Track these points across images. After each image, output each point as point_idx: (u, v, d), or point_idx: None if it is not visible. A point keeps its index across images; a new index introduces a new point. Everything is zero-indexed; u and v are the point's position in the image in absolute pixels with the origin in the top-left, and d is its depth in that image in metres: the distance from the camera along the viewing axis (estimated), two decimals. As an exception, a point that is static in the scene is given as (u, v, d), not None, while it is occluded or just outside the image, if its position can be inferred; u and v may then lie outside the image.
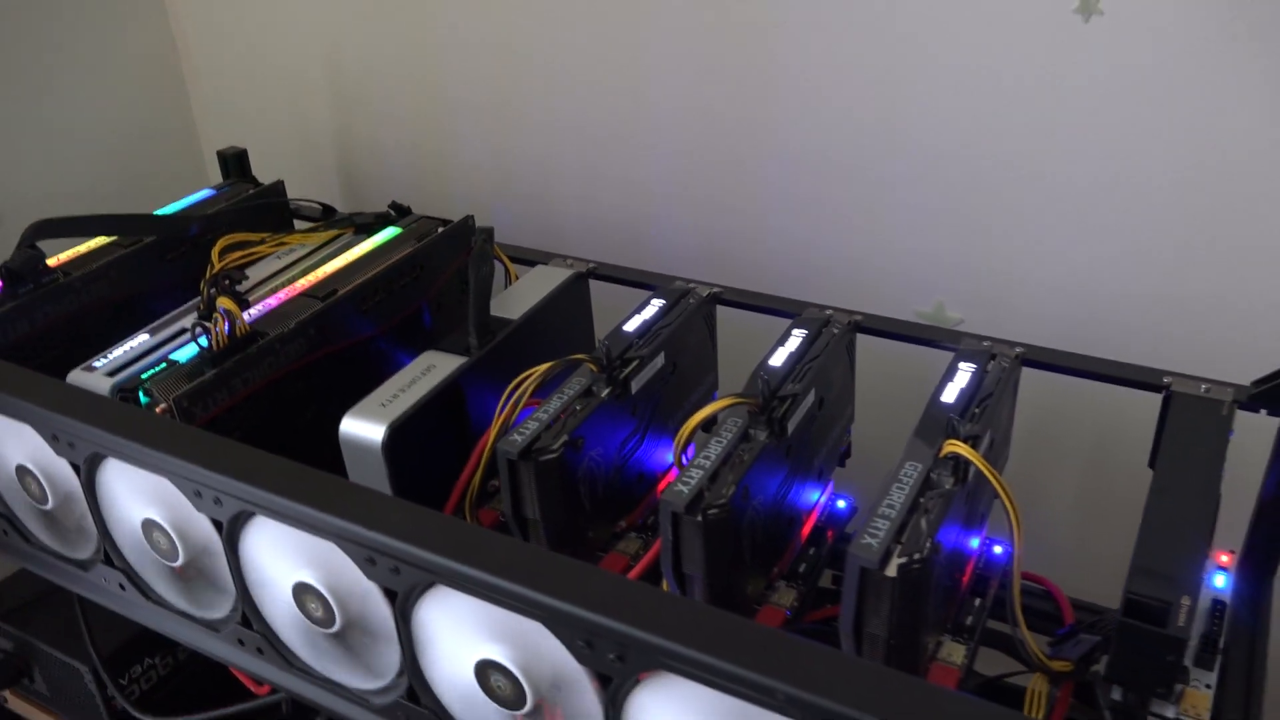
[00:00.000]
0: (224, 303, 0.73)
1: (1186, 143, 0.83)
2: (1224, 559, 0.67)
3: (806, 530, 0.74)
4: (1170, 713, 0.59)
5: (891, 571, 0.54)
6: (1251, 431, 0.68)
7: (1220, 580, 0.66)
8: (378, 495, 0.56)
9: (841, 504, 0.78)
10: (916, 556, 0.54)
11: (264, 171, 1.07)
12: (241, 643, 0.67)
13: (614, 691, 0.50)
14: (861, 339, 0.79)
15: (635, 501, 0.75)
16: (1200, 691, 0.60)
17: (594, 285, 0.89)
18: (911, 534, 0.56)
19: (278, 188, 1.01)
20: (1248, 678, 0.63)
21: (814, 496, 0.75)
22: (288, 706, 0.82)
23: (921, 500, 0.58)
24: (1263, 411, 0.67)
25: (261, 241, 0.89)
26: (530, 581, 0.48)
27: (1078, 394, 0.81)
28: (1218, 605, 0.64)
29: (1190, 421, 0.66)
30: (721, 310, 0.83)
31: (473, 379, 0.75)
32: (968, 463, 0.60)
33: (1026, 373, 0.74)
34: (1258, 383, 0.66)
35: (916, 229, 0.96)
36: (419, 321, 0.89)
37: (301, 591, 0.60)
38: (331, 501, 0.54)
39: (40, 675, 0.93)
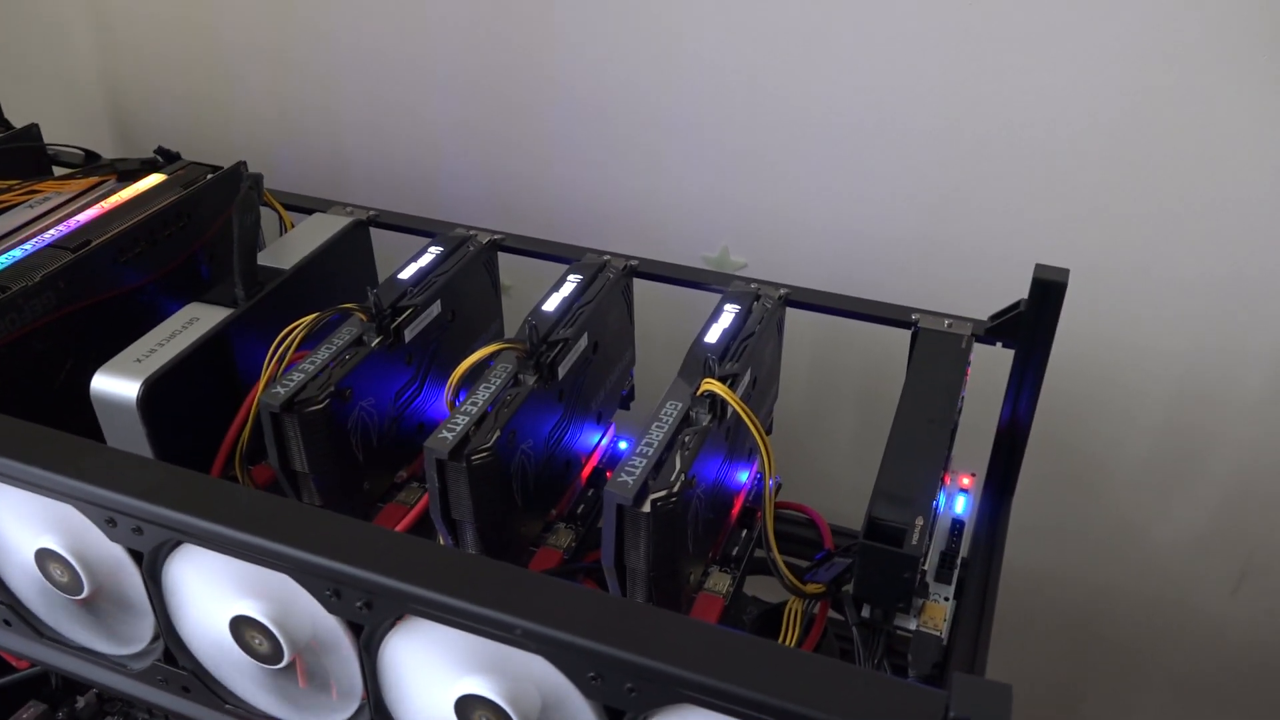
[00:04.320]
0: (-44, 256, 0.68)
1: (943, 93, 0.88)
2: (966, 481, 0.73)
3: (587, 472, 0.76)
4: (911, 625, 0.63)
5: (646, 507, 0.56)
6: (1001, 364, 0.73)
7: (961, 502, 0.71)
8: (114, 452, 0.54)
9: (624, 445, 0.80)
10: (669, 493, 0.56)
11: (22, 119, 0.99)
12: (-14, 616, 0.63)
13: (366, 639, 0.50)
14: (649, 286, 0.80)
15: (416, 451, 0.75)
16: (939, 604, 0.65)
17: (385, 235, 0.87)
18: (666, 470, 0.58)
19: (32, 131, 0.94)
20: (983, 590, 0.68)
21: (594, 439, 0.77)
22: (56, 678, 0.78)
23: (679, 437, 0.60)
24: (999, 344, 0.72)
25: (9, 189, 0.83)
26: (272, 532, 0.48)
27: (853, 334, 0.85)
28: (957, 524, 0.70)
29: (932, 354, 0.70)
30: (516, 259, 0.82)
31: (240, 331, 0.72)
32: (724, 400, 0.62)
33: (810, 317, 0.77)
34: (994, 317, 0.71)
35: (700, 176, 0.98)
36: (195, 273, 0.86)
37: (45, 558, 0.58)
38: (64, 461, 0.52)
39: None
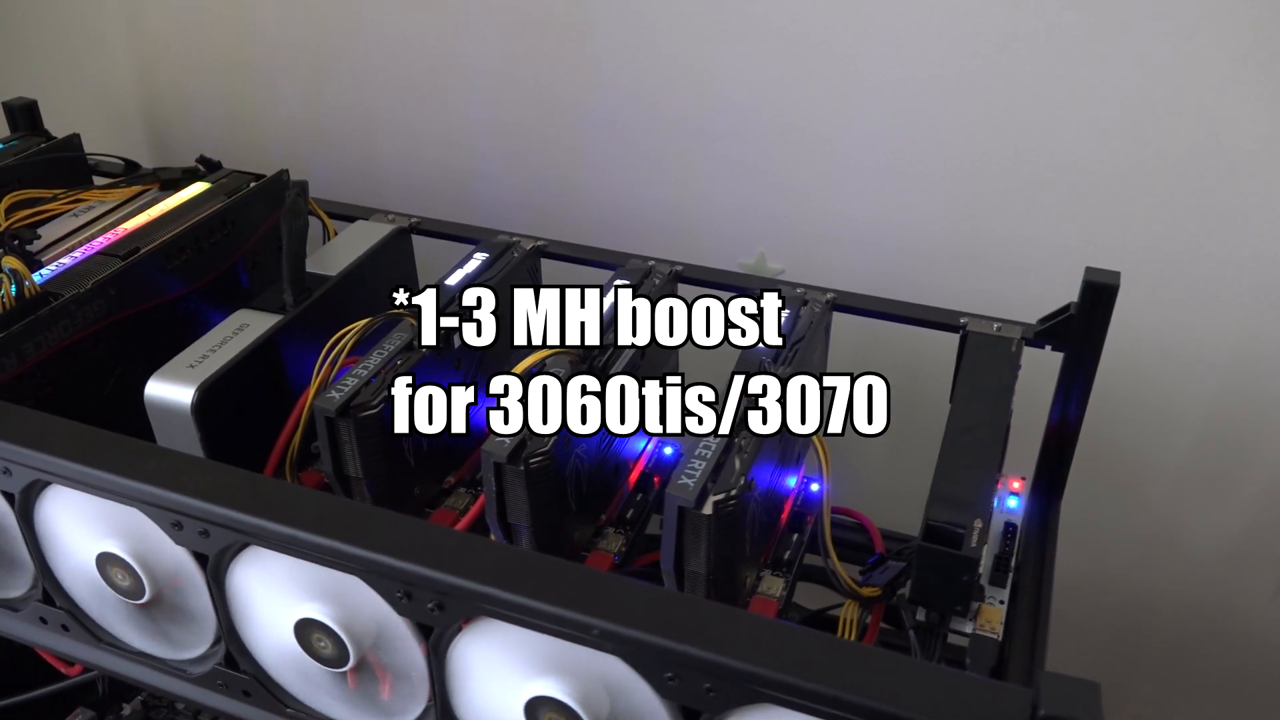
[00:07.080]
0: (10, 263, 0.68)
1: (979, 92, 0.88)
2: (1016, 484, 0.73)
3: (634, 477, 0.76)
4: (968, 629, 0.63)
5: (708, 509, 0.56)
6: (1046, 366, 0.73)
7: (1013, 504, 0.71)
8: (180, 456, 0.54)
9: (669, 450, 0.80)
10: (731, 494, 0.56)
11: (60, 126, 1.00)
12: (44, 621, 0.63)
13: (436, 641, 0.50)
14: (693, 292, 0.80)
15: (464, 455, 0.75)
16: (995, 607, 0.64)
17: (418, 241, 0.88)
18: (725, 473, 0.58)
19: (73, 141, 0.95)
20: (1037, 592, 0.68)
21: (640, 444, 0.77)
22: (104, 685, 0.78)
23: (736, 440, 0.60)
24: (1047, 347, 0.71)
25: (54, 198, 0.83)
26: (343, 534, 0.48)
27: (889, 338, 0.85)
28: (1009, 527, 0.69)
29: (983, 358, 0.70)
30: (547, 263, 0.83)
31: (289, 337, 0.72)
32: (780, 403, 0.62)
33: (841, 318, 0.77)
34: (1042, 320, 0.71)
35: (736, 182, 0.98)
36: (235, 280, 0.86)
37: (107, 562, 0.58)
38: (131, 465, 0.52)
39: None
